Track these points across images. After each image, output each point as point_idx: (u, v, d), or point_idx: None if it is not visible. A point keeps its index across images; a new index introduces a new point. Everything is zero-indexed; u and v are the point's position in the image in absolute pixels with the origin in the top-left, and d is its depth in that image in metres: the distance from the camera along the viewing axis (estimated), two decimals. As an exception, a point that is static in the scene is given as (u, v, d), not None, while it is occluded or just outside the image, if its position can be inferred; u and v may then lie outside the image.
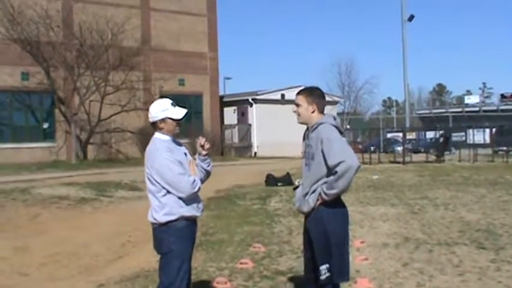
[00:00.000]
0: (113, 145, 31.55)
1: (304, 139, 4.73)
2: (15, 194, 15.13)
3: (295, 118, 4.70)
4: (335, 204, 4.46)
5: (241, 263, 7.29)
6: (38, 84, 28.26)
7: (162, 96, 24.09)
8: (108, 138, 31.31)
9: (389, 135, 46.95)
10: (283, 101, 37.84)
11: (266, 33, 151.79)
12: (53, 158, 28.60)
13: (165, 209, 4.42)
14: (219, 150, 34.89)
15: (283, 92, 38.85)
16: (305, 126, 4.72)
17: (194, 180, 4.46)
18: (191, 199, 4.47)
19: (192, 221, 4.57)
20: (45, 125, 30.07)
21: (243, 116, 39.74)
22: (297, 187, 4.77)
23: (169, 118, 4.53)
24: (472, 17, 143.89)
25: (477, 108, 61.94)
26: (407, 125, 47.10)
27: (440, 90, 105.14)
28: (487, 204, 12.41)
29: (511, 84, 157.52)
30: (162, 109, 4.53)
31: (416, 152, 33.69)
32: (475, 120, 48.38)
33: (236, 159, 33.86)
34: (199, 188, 4.51)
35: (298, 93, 4.68)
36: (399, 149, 35.02)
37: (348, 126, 47.92)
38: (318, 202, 4.45)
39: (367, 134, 47.91)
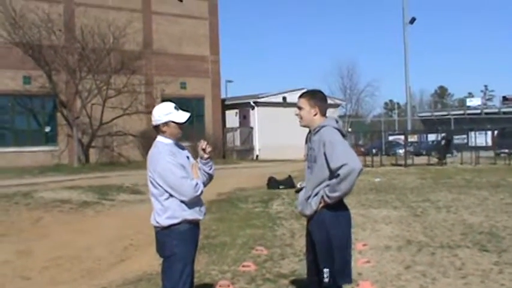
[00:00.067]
0: (114, 148, 31.56)
1: (306, 142, 4.72)
2: (17, 198, 15.15)
3: (297, 121, 4.70)
4: (338, 207, 4.45)
5: (243, 266, 7.29)
6: (40, 88, 28.31)
7: (163, 100, 24.17)
8: (110, 142, 31.33)
9: (391, 138, 46.93)
10: (284, 104, 37.86)
11: (268, 36, 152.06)
12: (55, 162, 28.62)
13: (168, 212, 4.42)
14: (221, 153, 34.90)
15: (284, 95, 38.88)
16: (307, 129, 4.73)
17: (197, 184, 4.46)
18: (194, 202, 4.47)
19: (194, 224, 4.57)
20: (47, 129, 30.09)
21: (244, 119, 39.75)
22: (299, 190, 4.77)
23: (173, 122, 4.53)
24: (473, 20, 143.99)
25: (479, 111, 61.93)
26: (409, 127, 47.08)
27: (442, 93, 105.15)
28: (490, 206, 12.40)
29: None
30: (166, 113, 4.53)
31: (418, 154, 33.69)
32: (476, 122, 48.35)
33: (238, 162, 33.87)
34: (201, 192, 4.51)
35: (300, 96, 4.68)
36: (401, 151, 34.99)
37: (350, 129, 47.85)
38: (321, 205, 4.44)
39: (369, 136, 47.87)
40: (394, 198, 14.36)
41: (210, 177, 4.75)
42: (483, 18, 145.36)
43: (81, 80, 28.35)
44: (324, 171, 4.40)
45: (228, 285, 6.40)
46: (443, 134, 33.38)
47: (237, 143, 38.83)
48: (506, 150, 30.33)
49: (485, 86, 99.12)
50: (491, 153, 30.18)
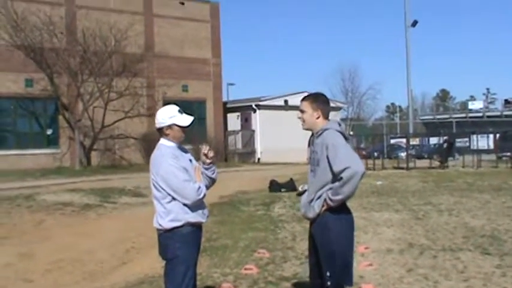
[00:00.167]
0: (116, 151, 31.59)
1: (309, 145, 4.73)
2: (19, 201, 15.17)
3: (299, 124, 4.70)
4: (341, 210, 4.46)
5: (245, 269, 7.30)
6: (42, 91, 28.34)
7: (165, 103, 24.17)
8: (112, 145, 31.36)
9: (392, 141, 46.90)
10: (286, 107, 37.91)
11: (269, 39, 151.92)
12: (56, 164, 28.66)
13: (171, 215, 4.42)
14: (223, 156, 34.91)
15: (286, 98, 38.92)
16: (309, 132, 4.73)
17: (199, 187, 4.46)
18: (196, 205, 4.47)
19: (197, 227, 4.57)
20: (49, 132, 30.13)
21: (246, 122, 39.77)
22: (301, 193, 4.77)
23: (176, 125, 4.53)
24: (475, 22, 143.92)
25: (481, 114, 61.79)
26: (411, 130, 47.03)
27: (443, 96, 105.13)
28: (491, 210, 12.38)
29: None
30: (170, 115, 4.54)
31: (420, 157, 33.62)
32: (478, 125, 48.22)
33: (240, 165, 33.88)
34: (204, 195, 4.51)
35: (302, 100, 4.68)
36: (403, 154, 34.97)
37: (352, 132, 47.90)
38: (323, 208, 4.45)
39: (371, 140, 47.91)
40: (396, 201, 14.35)
41: (213, 181, 4.76)
42: (485, 21, 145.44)
43: (83, 83, 28.38)
44: (326, 174, 4.41)
45: (230, 288, 6.41)
46: (445, 137, 33.31)
47: (239, 146, 38.84)
48: (509, 154, 30.29)
49: (488, 89, 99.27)
50: (493, 157, 30.10)
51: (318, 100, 4.64)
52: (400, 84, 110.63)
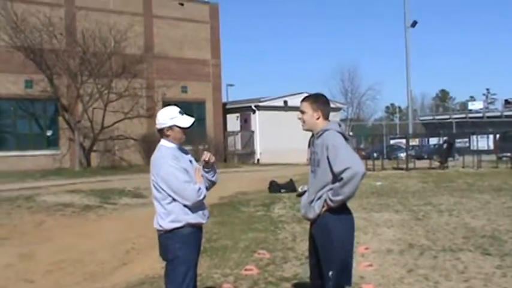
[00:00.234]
0: (116, 152, 31.60)
1: (309, 146, 4.74)
2: (20, 202, 15.19)
3: (299, 125, 4.71)
4: (341, 210, 4.46)
5: (246, 270, 7.30)
6: (42, 92, 28.34)
7: (165, 104, 24.17)
8: (112, 146, 31.36)
9: (392, 142, 46.88)
10: (286, 107, 37.93)
11: (269, 40, 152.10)
12: (56, 166, 28.67)
13: (171, 216, 4.43)
14: (222, 157, 34.91)
15: (286, 98, 38.94)
16: (309, 133, 4.74)
17: (199, 188, 4.47)
18: (197, 206, 4.48)
19: (197, 227, 4.58)
20: (49, 133, 30.12)
21: (245, 122, 39.79)
22: (300, 193, 4.79)
23: (177, 126, 4.54)
24: (475, 23, 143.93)
25: (481, 114, 61.82)
26: (411, 131, 47.03)
27: (443, 96, 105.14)
28: (492, 210, 12.38)
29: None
30: (170, 117, 4.55)
31: (420, 158, 33.62)
32: (478, 126, 48.25)
33: (239, 166, 33.88)
34: (204, 196, 4.51)
35: (302, 100, 4.69)
36: (402, 155, 34.95)
37: (351, 133, 47.91)
38: (324, 209, 4.46)
39: (370, 140, 47.88)
40: (395, 201, 14.36)
41: (213, 183, 4.78)
42: (485, 21, 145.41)
43: (83, 84, 28.38)
44: (327, 175, 4.42)
45: (231, 289, 6.42)
46: (445, 138, 33.38)
47: (238, 146, 38.86)
48: (509, 154, 30.27)
49: (487, 89, 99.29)
50: (493, 157, 30.11)
51: (318, 101, 4.65)
52: (400, 85, 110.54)
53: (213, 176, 4.72)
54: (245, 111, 39.71)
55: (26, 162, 27.60)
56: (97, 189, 17.90)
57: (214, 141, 34.44)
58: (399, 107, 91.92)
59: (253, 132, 39.01)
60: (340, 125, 4.62)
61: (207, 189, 4.65)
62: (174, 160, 4.44)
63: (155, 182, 4.47)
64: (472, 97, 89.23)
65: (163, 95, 32.06)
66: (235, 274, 7.20)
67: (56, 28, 27.70)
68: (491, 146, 33.50)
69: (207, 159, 4.62)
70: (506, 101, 64.81)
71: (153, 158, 4.56)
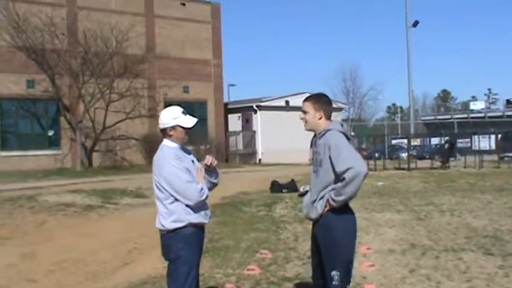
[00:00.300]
0: (117, 152, 31.63)
1: (311, 146, 4.73)
2: (21, 201, 15.21)
3: (300, 125, 4.70)
4: (343, 210, 4.46)
5: (248, 270, 7.31)
6: (43, 92, 28.38)
7: (166, 104, 24.20)
8: (113, 146, 31.39)
9: (394, 142, 46.89)
10: (287, 107, 37.94)
11: (270, 40, 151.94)
12: (58, 166, 28.70)
13: (173, 216, 4.43)
14: (224, 157, 34.92)
15: (287, 98, 38.95)
16: (311, 133, 4.73)
17: (202, 188, 4.47)
18: (199, 206, 4.48)
19: (200, 227, 4.58)
20: (51, 133, 30.18)
21: (247, 122, 39.80)
22: (302, 194, 4.78)
23: (180, 126, 4.54)
24: (476, 22, 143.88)
25: (482, 114, 61.77)
26: (412, 131, 46.98)
27: (445, 96, 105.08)
28: (494, 210, 12.37)
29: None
30: (173, 117, 4.55)
31: (421, 158, 33.61)
32: (480, 126, 48.23)
33: (241, 166, 33.87)
34: (206, 196, 4.52)
35: (305, 100, 4.68)
36: (404, 155, 34.96)
37: (353, 133, 47.87)
38: (326, 209, 4.45)
39: (372, 140, 47.90)
40: (397, 201, 14.35)
41: (215, 185, 4.79)
42: (487, 21, 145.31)
43: (84, 84, 28.41)
44: (329, 174, 4.42)
45: (233, 289, 6.42)
46: (446, 138, 33.37)
47: (240, 146, 38.87)
48: (510, 154, 30.31)
49: (489, 89, 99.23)
50: (495, 157, 30.07)
51: (320, 101, 4.64)
52: (401, 85, 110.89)
53: (215, 178, 4.73)
54: (247, 111, 39.73)
55: (28, 162, 27.63)
56: (99, 189, 17.92)
57: (215, 141, 34.47)
58: (401, 107, 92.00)
59: (254, 132, 39.02)
60: (342, 125, 4.62)
61: (209, 189, 4.65)
62: (177, 160, 4.44)
63: (157, 181, 4.47)
64: (473, 97, 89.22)
65: (164, 95, 32.08)
66: (237, 274, 7.20)
67: (57, 28, 27.74)
68: (493, 146, 33.38)
69: (209, 163, 4.62)
70: (508, 101, 64.77)
71: (155, 157, 4.56)
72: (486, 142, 33.43)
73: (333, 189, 4.39)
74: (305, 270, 6.99)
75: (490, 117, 59.92)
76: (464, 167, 27.35)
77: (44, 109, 30.14)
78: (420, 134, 50.02)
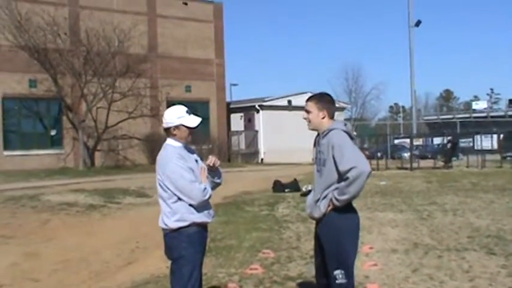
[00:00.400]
0: (120, 152, 31.67)
1: (315, 145, 4.74)
2: (24, 201, 15.23)
3: (302, 124, 4.72)
4: (346, 210, 4.47)
5: (251, 269, 7.31)
6: (46, 91, 28.40)
7: (168, 103, 24.20)
8: (115, 145, 31.43)
9: (396, 142, 46.86)
10: (290, 107, 37.94)
11: (272, 40, 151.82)
12: (60, 165, 28.74)
13: (177, 215, 4.43)
14: (226, 156, 34.94)
15: (290, 98, 38.97)
16: (313, 132, 4.74)
17: (205, 188, 4.47)
18: (202, 206, 4.48)
19: (203, 227, 4.58)
20: (53, 132, 30.22)
21: (249, 122, 39.81)
22: (305, 193, 4.81)
23: (184, 125, 4.54)
24: (479, 22, 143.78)
25: (485, 114, 61.80)
26: (415, 131, 46.96)
27: (447, 96, 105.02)
28: (496, 210, 12.37)
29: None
30: (178, 116, 4.55)
31: (424, 158, 33.59)
32: (482, 126, 48.21)
33: (243, 165, 33.88)
34: (210, 196, 4.52)
35: (308, 100, 4.69)
36: (406, 155, 34.92)
37: (355, 133, 47.82)
38: (329, 208, 4.46)
39: (374, 140, 47.84)
40: (400, 201, 14.34)
41: (218, 184, 4.79)
42: (489, 21, 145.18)
43: (87, 84, 28.44)
44: (332, 174, 4.42)
45: (236, 288, 6.42)
46: (449, 138, 33.29)
47: (242, 146, 38.88)
48: (513, 154, 30.26)
49: (491, 89, 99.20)
50: (497, 157, 30.06)
51: (323, 100, 4.65)
52: (404, 85, 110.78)
53: (218, 178, 4.74)
54: (249, 110, 39.74)
55: (31, 162, 27.68)
56: (101, 189, 17.93)
57: (218, 140, 34.49)
58: (403, 107, 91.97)
59: (257, 131, 39.03)
60: (345, 124, 4.62)
61: (212, 189, 4.64)
62: (181, 159, 4.44)
63: (161, 181, 4.47)
64: (476, 97, 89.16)
65: (167, 94, 32.08)
66: (240, 273, 7.21)
67: (60, 27, 27.77)
68: (496, 146, 33.38)
69: (211, 163, 4.62)
70: (510, 101, 64.77)
71: (159, 157, 4.56)
72: (488, 142, 33.39)
73: (337, 188, 4.40)
74: (308, 270, 7.00)
75: (492, 116, 59.92)
76: (467, 167, 27.34)
77: (47, 108, 30.21)
78: (422, 134, 49.94)
